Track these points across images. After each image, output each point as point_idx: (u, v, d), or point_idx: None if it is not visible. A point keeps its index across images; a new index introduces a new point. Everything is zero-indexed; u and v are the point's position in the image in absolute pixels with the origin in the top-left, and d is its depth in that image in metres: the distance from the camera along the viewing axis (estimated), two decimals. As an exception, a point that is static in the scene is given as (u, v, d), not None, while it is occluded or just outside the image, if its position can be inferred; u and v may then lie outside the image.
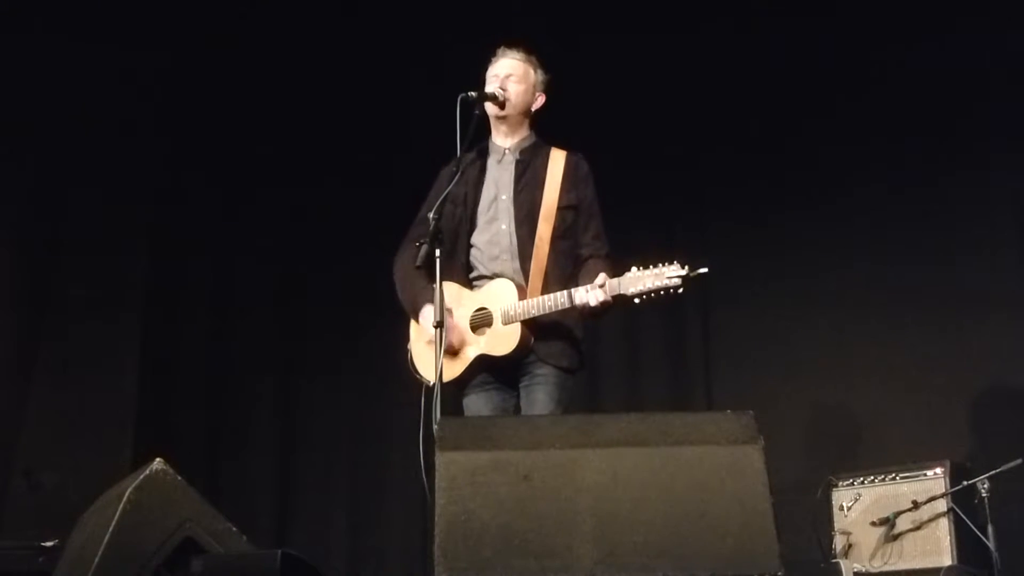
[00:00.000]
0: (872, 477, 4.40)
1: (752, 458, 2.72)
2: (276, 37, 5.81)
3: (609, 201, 3.84)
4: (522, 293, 3.56)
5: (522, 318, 3.52)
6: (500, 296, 3.59)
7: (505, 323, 3.55)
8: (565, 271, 3.65)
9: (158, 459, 3.48)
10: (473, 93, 3.64)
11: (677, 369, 5.72)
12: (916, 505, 4.17)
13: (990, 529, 4.00)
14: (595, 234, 3.74)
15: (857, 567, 4.22)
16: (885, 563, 4.22)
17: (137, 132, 5.62)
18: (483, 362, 3.60)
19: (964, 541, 4.08)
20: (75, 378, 5.30)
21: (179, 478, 3.47)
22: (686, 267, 3.30)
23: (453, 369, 3.60)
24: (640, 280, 3.34)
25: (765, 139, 5.59)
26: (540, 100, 3.85)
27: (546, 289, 3.55)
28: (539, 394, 3.57)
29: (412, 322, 3.76)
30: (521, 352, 3.56)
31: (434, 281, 3.39)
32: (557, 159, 3.76)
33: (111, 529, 3.29)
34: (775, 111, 5.56)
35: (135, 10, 5.47)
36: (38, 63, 5.36)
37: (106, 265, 5.47)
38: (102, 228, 5.50)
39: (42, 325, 5.32)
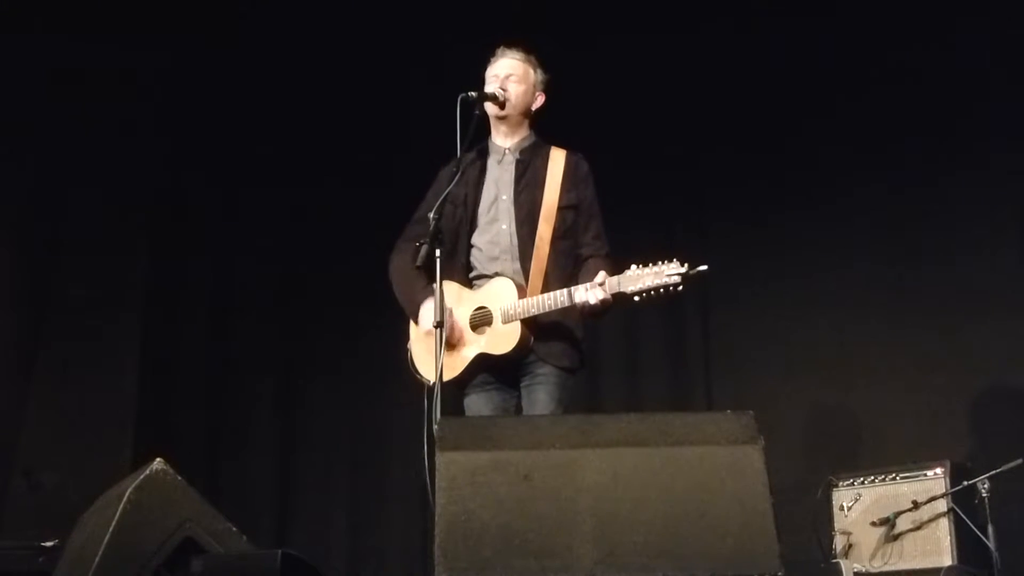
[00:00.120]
0: (872, 477, 4.40)
1: (752, 458, 2.72)
2: (276, 37, 5.81)
3: (609, 201, 3.84)
4: (522, 293, 3.56)
5: (522, 317, 3.52)
6: (500, 295, 3.59)
7: (505, 322, 3.55)
8: (565, 271, 3.65)
9: (158, 459, 3.48)
10: (473, 93, 3.64)
11: (677, 369, 5.72)
12: (916, 505, 4.17)
13: (990, 529, 4.00)
14: (595, 234, 3.74)
15: (857, 567, 4.22)
16: (885, 563, 4.22)
17: (137, 132, 5.62)
18: (483, 361, 3.60)
19: (964, 541, 4.08)
20: (75, 378, 5.30)
21: (179, 478, 3.47)
22: (686, 265, 3.30)
23: (453, 368, 3.60)
24: (640, 278, 3.34)
25: (765, 139, 5.59)
26: (540, 100, 3.85)
27: (546, 289, 3.54)
28: (540, 394, 3.57)
29: (412, 321, 3.76)
30: (521, 351, 3.55)
31: (434, 281, 3.39)
32: (557, 159, 3.76)
33: (111, 529, 3.29)
34: (775, 111, 5.55)
35: (135, 10, 5.47)
36: (38, 63, 5.36)
37: (106, 265, 5.47)
38: (102, 228, 5.50)
39: (42, 325, 5.32)
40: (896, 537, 4.22)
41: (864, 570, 4.24)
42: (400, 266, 3.77)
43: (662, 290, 3.30)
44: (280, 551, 3.23)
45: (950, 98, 5.15)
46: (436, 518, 2.62)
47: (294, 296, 6.02)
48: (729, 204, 5.69)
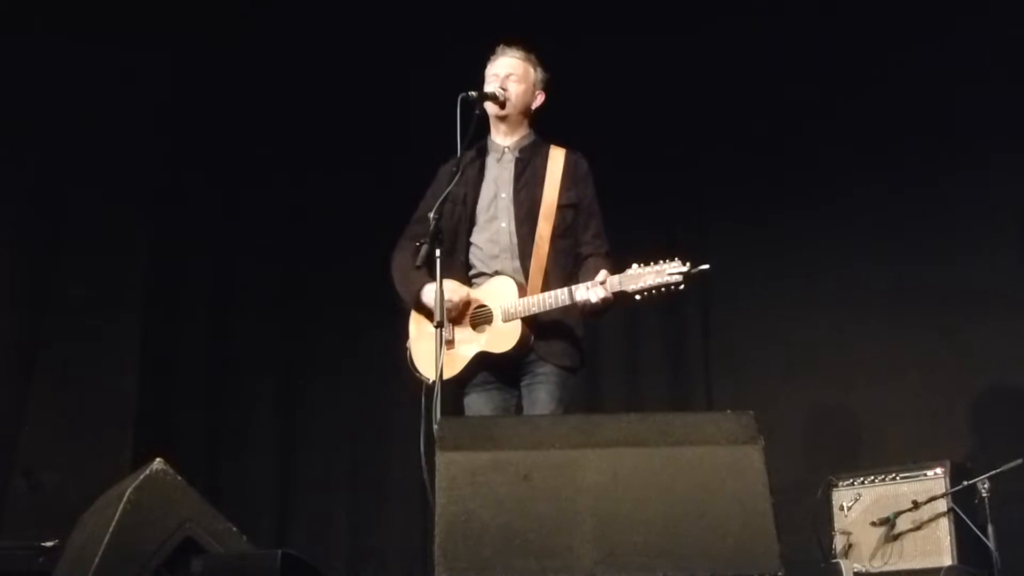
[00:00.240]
0: (872, 477, 4.39)
1: (752, 458, 2.72)
2: (276, 37, 5.81)
3: (609, 201, 3.84)
4: (522, 291, 3.56)
5: (522, 315, 3.52)
6: (500, 293, 3.59)
7: (505, 320, 3.55)
8: (565, 269, 3.65)
9: (158, 459, 3.48)
10: (473, 93, 3.64)
11: (677, 369, 5.72)
12: (916, 505, 4.17)
13: (990, 529, 4.00)
14: (595, 233, 3.74)
15: (857, 567, 4.21)
16: (885, 563, 4.22)
17: (137, 132, 5.62)
18: (483, 360, 3.60)
19: (964, 541, 4.08)
20: (75, 378, 5.30)
21: (179, 478, 3.47)
22: (687, 264, 3.30)
23: (453, 367, 3.59)
24: (641, 277, 3.34)
25: (765, 139, 5.59)
26: (540, 99, 3.85)
27: (546, 287, 3.54)
28: (540, 393, 3.56)
29: (411, 320, 3.76)
30: (521, 350, 3.55)
31: (434, 280, 3.39)
32: (556, 157, 3.76)
33: (111, 529, 3.29)
34: (775, 111, 5.55)
35: (135, 10, 5.47)
36: (38, 63, 5.36)
37: (106, 265, 5.47)
38: (102, 228, 5.50)
39: (42, 325, 5.32)
40: (896, 537, 4.22)
41: (864, 570, 4.24)
42: (401, 264, 3.77)
43: (663, 289, 3.30)
44: (280, 551, 3.23)
45: (950, 98, 5.15)
46: (436, 518, 2.62)
47: (294, 296, 6.02)
48: (729, 204, 5.69)
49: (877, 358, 5.21)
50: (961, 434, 4.94)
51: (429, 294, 3.55)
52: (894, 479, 4.33)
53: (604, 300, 3.41)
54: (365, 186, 5.83)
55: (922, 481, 4.25)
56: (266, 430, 5.84)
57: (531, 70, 3.81)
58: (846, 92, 5.40)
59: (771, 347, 5.45)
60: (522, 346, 3.54)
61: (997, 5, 5.08)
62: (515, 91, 3.75)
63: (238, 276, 5.99)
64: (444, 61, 5.21)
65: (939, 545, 4.12)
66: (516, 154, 3.80)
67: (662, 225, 5.83)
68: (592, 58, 5.57)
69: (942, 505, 4.14)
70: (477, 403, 3.65)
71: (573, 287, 3.46)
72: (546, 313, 3.51)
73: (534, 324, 3.55)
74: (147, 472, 3.43)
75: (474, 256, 3.73)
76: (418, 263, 3.43)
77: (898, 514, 4.21)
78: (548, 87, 3.85)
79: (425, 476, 2.90)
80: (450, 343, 3.57)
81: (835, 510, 4.45)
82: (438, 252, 3.38)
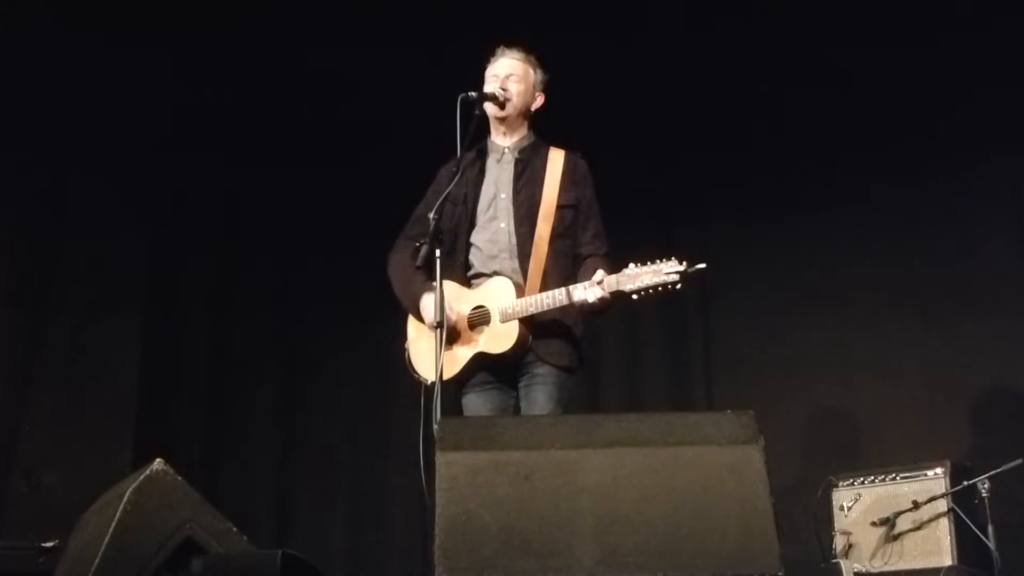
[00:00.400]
0: (872, 477, 4.39)
1: (752, 458, 2.72)
2: (277, 36, 5.81)
3: (608, 201, 3.84)
4: (520, 291, 3.56)
5: (520, 316, 3.52)
6: (498, 294, 3.59)
7: (503, 321, 3.55)
8: (564, 270, 3.65)
9: (158, 459, 3.47)
10: (473, 93, 3.65)
11: (677, 369, 5.72)
12: (916, 505, 4.17)
13: (990, 529, 4.00)
14: (594, 233, 3.75)
15: (857, 567, 4.22)
16: (885, 563, 4.22)
17: (138, 132, 5.62)
18: (481, 361, 3.60)
19: (964, 541, 4.08)
20: (75, 378, 5.30)
21: (179, 478, 3.47)
22: (684, 263, 3.31)
23: (452, 367, 3.60)
24: (638, 277, 3.35)
25: (765, 139, 5.58)
26: (539, 100, 3.85)
27: (545, 288, 3.55)
28: (539, 394, 3.56)
29: (410, 320, 3.77)
30: (519, 350, 3.55)
31: (433, 280, 3.40)
32: (556, 158, 3.76)
33: (111, 530, 3.28)
34: (775, 111, 5.55)
35: (135, 10, 5.47)
36: (38, 63, 5.35)
37: (106, 265, 5.47)
38: (102, 227, 5.50)
39: (42, 325, 5.32)
40: (896, 537, 4.22)
41: (864, 570, 4.24)
42: (399, 264, 3.78)
43: (661, 288, 3.31)
44: (280, 551, 3.22)
45: (950, 98, 5.15)
46: (436, 518, 2.62)
47: (294, 296, 6.02)
48: (729, 204, 5.69)
49: (877, 358, 5.21)
50: (961, 434, 4.94)
51: (428, 303, 3.55)
52: (894, 479, 4.33)
53: (602, 300, 3.41)
54: (366, 186, 5.83)
55: (922, 481, 4.25)
56: (266, 430, 5.84)
57: (531, 71, 3.81)
58: (846, 92, 5.40)
59: (771, 347, 5.45)
60: (520, 346, 3.54)
61: (997, 5, 5.08)
62: (515, 92, 3.76)
63: (238, 276, 5.99)
64: (444, 60, 5.21)
65: (939, 545, 4.12)
66: (516, 155, 3.80)
67: (662, 225, 5.82)
68: (592, 58, 5.56)
69: (942, 505, 4.14)
70: (475, 403, 3.65)
71: (571, 287, 3.46)
72: (544, 313, 3.51)
73: (532, 324, 3.55)
74: (147, 472, 3.42)
75: (473, 256, 3.73)
76: (418, 263, 3.44)
77: (898, 514, 4.21)
78: (548, 88, 3.86)
79: (423, 477, 2.90)
80: (449, 344, 3.56)
81: (835, 510, 4.45)
82: (438, 252, 3.39)
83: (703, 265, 3.30)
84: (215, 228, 5.95)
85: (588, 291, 3.41)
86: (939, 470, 4.21)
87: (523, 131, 3.85)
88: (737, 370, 5.54)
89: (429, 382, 3.51)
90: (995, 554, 3.96)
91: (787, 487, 4.47)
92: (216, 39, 5.78)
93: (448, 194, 3.57)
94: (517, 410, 3.64)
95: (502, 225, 3.71)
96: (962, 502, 4.11)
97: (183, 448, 5.43)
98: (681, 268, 3.30)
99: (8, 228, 5.34)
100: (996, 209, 5.10)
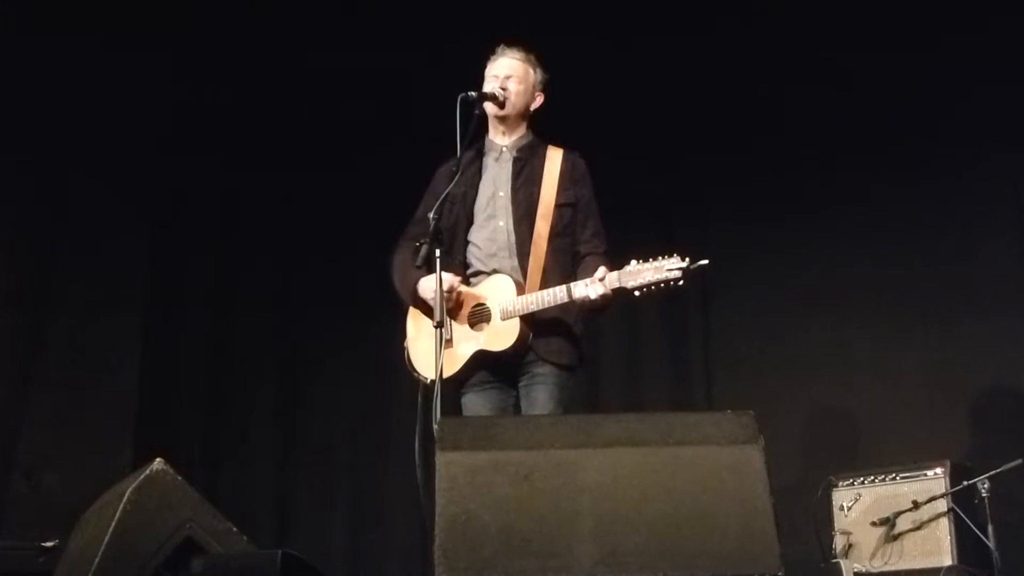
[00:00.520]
0: (872, 477, 4.39)
1: (752, 458, 2.72)
2: (276, 36, 5.81)
3: (608, 201, 3.84)
4: (520, 289, 3.56)
5: (520, 313, 3.51)
6: (498, 292, 3.59)
7: (503, 319, 3.55)
8: (564, 268, 3.65)
9: (158, 459, 3.47)
10: (473, 93, 3.65)
11: (677, 369, 5.72)
12: (916, 505, 4.17)
13: (990, 529, 4.00)
14: (594, 232, 3.75)
15: (857, 567, 4.21)
16: (885, 563, 4.22)
17: (138, 132, 5.62)
18: (481, 359, 3.59)
19: (964, 541, 4.08)
20: (75, 378, 5.30)
21: (179, 478, 3.46)
22: (686, 260, 3.31)
23: (451, 366, 3.59)
24: (640, 273, 3.34)
25: (765, 139, 5.58)
26: (539, 100, 3.85)
27: (544, 286, 3.55)
28: (540, 394, 3.56)
29: (409, 319, 3.77)
30: (519, 348, 3.55)
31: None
32: (554, 157, 3.77)
33: (111, 530, 3.28)
34: (776, 111, 5.55)
35: (135, 10, 5.47)
36: (39, 63, 5.35)
37: (106, 265, 5.47)
38: (102, 227, 5.50)
39: (42, 325, 5.32)
40: (896, 537, 4.22)
41: (864, 570, 4.24)
42: (400, 264, 3.78)
43: (663, 284, 3.31)
44: (280, 551, 3.22)
45: (950, 98, 5.15)
46: (436, 518, 2.62)
47: (294, 296, 6.02)
48: (729, 204, 5.69)
49: (877, 358, 5.21)
50: (961, 434, 4.94)
51: (425, 287, 3.55)
52: (894, 479, 4.33)
53: (603, 297, 3.41)
54: (366, 186, 5.83)
55: (922, 481, 4.25)
56: (266, 430, 5.84)
57: (531, 71, 3.81)
58: (846, 92, 5.40)
59: (771, 347, 5.45)
60: (521, 344, 3.54)
61: (997, 4, 5.08)
62: (515, 92, 3.76)
63: (238, 276, 5.99)
64: (445, 59, 5.21)
65: (939, 545, 4.12)
66: (514, 153, 3.81)
67: (662, 225, 5.82)
68: (592, 58, 5.56)
69: (942, 505, 4.14)
70: (475, 403, 3.64)
71: (572, 284, 3.46)
72: (544, 311, 3.50)
73: (532, 322, 3.55)
74: (147, 472, 3.42)
75: (472, 255, 3.73)
76: (418, 263, 3.44)
77: (898, 514, 4.21)
78: (547, 88, 3.86)
79: (419, 476, 2.90)
80: (448, 342, 3.56)
81: (835, 510, 4.45)
82: (438, 252, 3.39)
83: (705, 261, 3.30)
84: (215, 228, 5.95)
85: (590, 288, 3.41)
86: (939, 470, 4.21)
87: (522, 130, 3.85)
88: (737, 370, 5.54)
89: (428, 381, 3.51)
90: (995, 554, 3.97)
91: (787, 487, 4.47)
92: (216, 39, 5.78)
93: (447, 193, 3.57)
94: (517, 410, 3.63)
95: (501, 223, 3.71)
96: (962, 502, 4.11)
97: (183, 448, 5.42)
98: (683, 264, 3.30)
99: (8, 228, 5.34)
100: (996, 209, 5.10)
